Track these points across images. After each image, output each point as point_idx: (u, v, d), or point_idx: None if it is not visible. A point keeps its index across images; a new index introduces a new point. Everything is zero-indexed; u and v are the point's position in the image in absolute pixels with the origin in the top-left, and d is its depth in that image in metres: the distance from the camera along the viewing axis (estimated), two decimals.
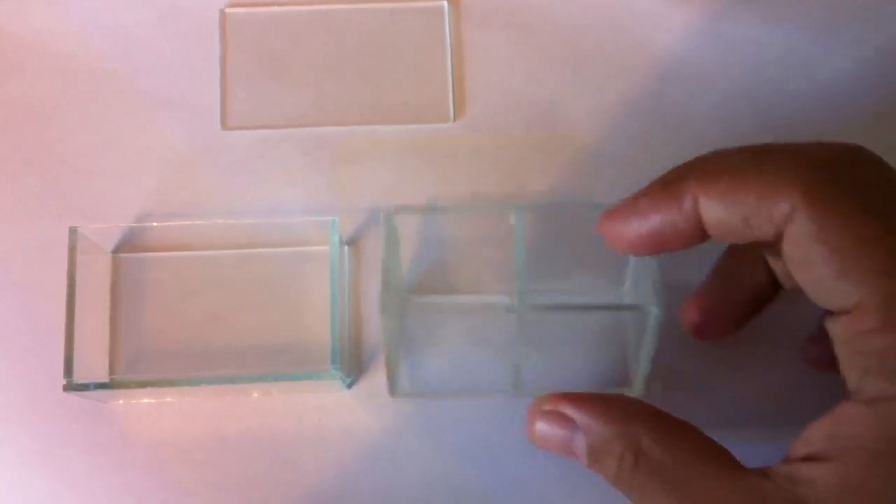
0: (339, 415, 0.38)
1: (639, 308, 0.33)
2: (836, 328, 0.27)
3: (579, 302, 0.39)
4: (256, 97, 0.42)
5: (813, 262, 0.27)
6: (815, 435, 0.28)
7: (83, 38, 0.42)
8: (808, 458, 0.27)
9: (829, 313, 0.28)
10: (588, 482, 0.38)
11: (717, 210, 0.28)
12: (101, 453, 0.38)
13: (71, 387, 0.35)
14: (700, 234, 0.30)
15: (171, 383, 0.36)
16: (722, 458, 0.29)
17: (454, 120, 0.42)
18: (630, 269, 0.38)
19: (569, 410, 0.31)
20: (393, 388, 0.37)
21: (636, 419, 0.30)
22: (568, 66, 0.43)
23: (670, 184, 0.30)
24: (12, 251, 0.40)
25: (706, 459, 0.29)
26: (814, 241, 0.26)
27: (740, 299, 0.36)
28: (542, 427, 0.32)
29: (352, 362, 0.39)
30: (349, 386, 0.38)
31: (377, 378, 0.39)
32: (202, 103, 0.42)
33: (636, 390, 0.36)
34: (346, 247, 0.40)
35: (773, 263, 0.34)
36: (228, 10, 0.43)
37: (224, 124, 0.41)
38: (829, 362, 0.29)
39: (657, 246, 0.31)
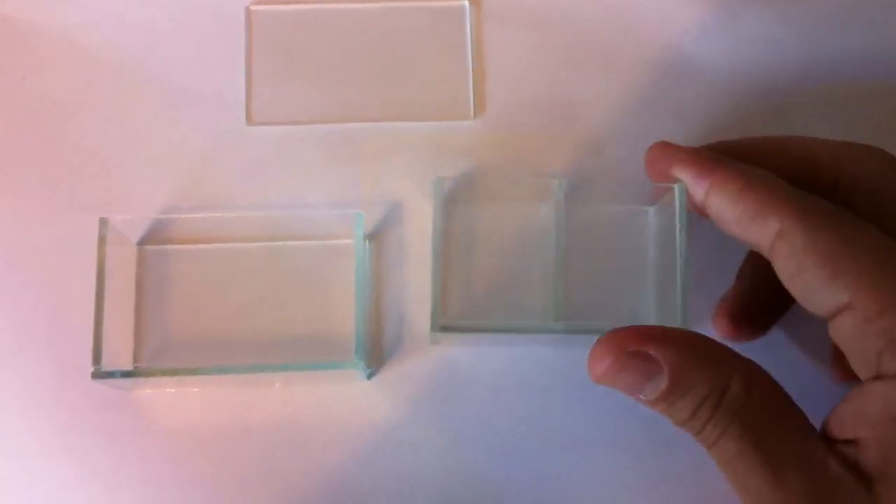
0: (361, 405, 0.39)
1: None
2: (839, 327, 0.29)
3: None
4: (281, 93, 0.43)
5: (805, 270, 0.29)
6: (844, 418, 0.29)
7: (110, 35, 0.43)
8: (848, 441, 0.29)
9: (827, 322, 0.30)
10: (607, 473, 0.38)
11: (722, 207, 0.32)
12: (125, 441, 0.38)
13: (98, 374, 0.35)
14: (703, 210, 0.34)
15: (194, 372, 0.36)
16: (800, 419, 0.29)
17: (474, 117, 0.42)
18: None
19: (656, 352, 0.29)
20: (434, 323, 0.37)
21: (727, 363, 0.29)
22: (586, 65, 0.43)
23: (702, 163, 0.34)
24: (39, 242, 0.40)
25: (787, 417, 0.29)
26: (804, 252, 0.29)
27: (768, 300, 0.37)
28: (619, 367, 0.30)
29: (373, 353, 0.39)
30: (370, 377, 0.39)
31: (398, 369, 0.39)
32: (228, 99, 0.42)
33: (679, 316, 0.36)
34: (368, 240, 0.40)
35: None
36: (254, 8, 0.43)
37: (249, 119, 0.42)
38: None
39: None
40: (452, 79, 0.43)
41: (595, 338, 0.38)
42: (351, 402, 0.39)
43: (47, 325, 0.39)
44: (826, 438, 0.29)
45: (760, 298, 0.37)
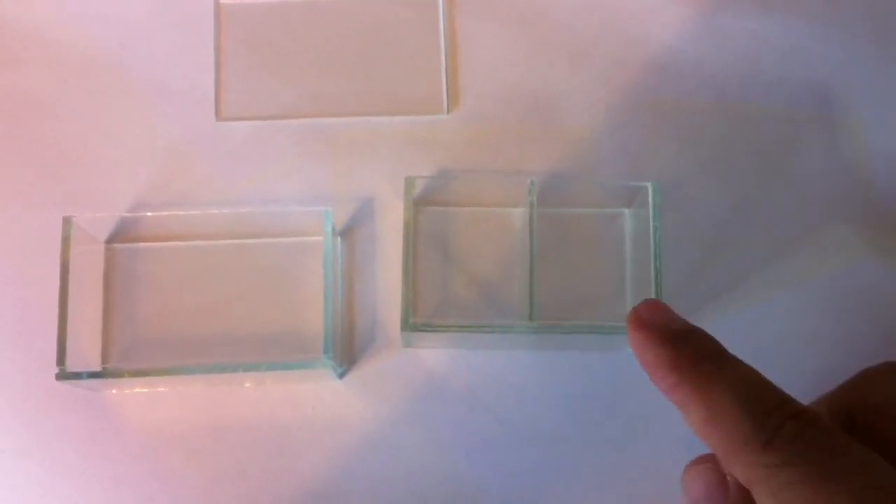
0: (332, 404, 0.38)
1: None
2: None
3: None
4: (251, 88, 0.42)
5: None
6: None
7: (79, 30, 0.42)
8: None
9: None
10: (582, 470, 0.38)
11: (694, 428, 0.27)
12: (94, 442, 0.38)
13: (63, 375, 0.35)
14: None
15: (163, 372, 0.36)
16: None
17: (448, 111, 0.42)
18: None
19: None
20: (404, 322, 0.36)
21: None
22: (562, 58, 0.43)
23: (673, 370, 0.28)
24: (6, 240, 0.40)
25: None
26: None
27: None
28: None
29: (344, 352, 0.39)
30: (341, 375, 0.39)
31: (369, 368, 0.39)
32: (197, 94, 0.42)
33: None
34: (338, 237, 0.40)
35: None
36: (223, 1, 0.43)
37: (218, 115, 0.42)
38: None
39: None
40: (426, 72, 0.42)
41: (569, 338, 0.37)
42: (322, 401, 0.39)
43: (13, 325, 0.39)
44: None
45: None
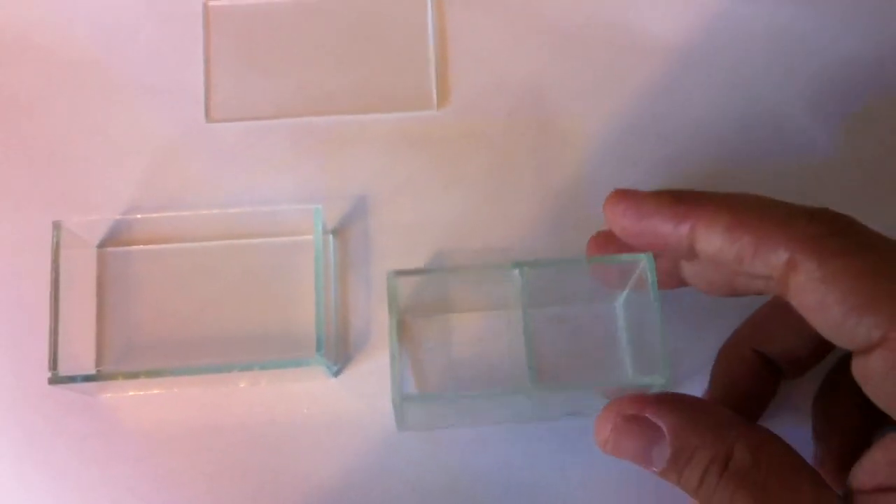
0: (327, 403, 0.38)
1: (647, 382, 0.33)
2: (866, 365, 0.27)
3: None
4: (240, 89, 0.42)
5: (828, 305, 0.27)
6: (876, 465, 0.27)
7: (67, 30, 0.42)
8: (881, 489, 0.27)
9: (851, 354, 0.28)
10: (577, 460, 0.38)
11: (716, 243, 0.29)
12: (90, 446, 0.38)
13: (56, 379, 0.35)
14: (687, 255, 0.31)
15: (157, 373, 0.35)
16: (809, 474, 0.28)
17: (438, 107, 0.42)
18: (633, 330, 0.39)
19: (655, 416, 0.29)
20: (400, 422, 0.36)
21: (729, 427, 0.28)
22: (553, 51, 0.43)
23: (680, 202, 0.30)
24: None
25: (800, 480, 0.27)
26: (823, 284, 0.27)
27: (744, 400, 0.35)
28: (619, 432, 0.29)
29: (338, 350, 0.39)
30: (336, 374, 0.38)
31: (364, 366, 0.39)
32: (186, 95, 0.42)
33: None
34: (330, 235, 0.40)
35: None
36: (211, 3, 0.43)
37: (208, 116, 0.41)
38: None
39: (644, 245, 0.32)
40: (415, 68, 0.42)
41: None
42: (317, 400, 0.38)
43: (7, 330, 0.39)
44: (855, 490, 0.28)
45: (736, 403, 0.35)
